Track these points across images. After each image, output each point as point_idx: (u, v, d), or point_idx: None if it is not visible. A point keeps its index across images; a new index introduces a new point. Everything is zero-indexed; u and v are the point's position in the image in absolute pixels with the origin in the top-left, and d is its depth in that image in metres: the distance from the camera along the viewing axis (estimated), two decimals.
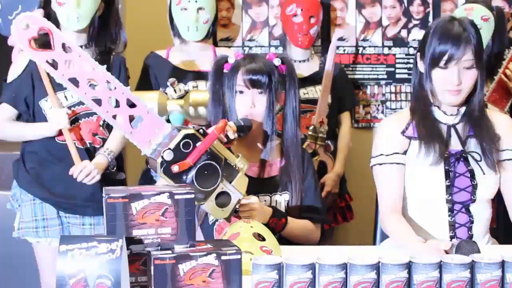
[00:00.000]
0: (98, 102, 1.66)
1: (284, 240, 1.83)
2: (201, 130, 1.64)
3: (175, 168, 1.58)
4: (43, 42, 2.08)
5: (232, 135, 1.72)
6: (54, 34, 1.64)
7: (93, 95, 1.67)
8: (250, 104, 1.86)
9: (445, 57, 1.66)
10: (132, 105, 1.66)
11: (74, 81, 1.66)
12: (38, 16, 1.66)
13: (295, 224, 1.88)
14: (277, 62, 1.91)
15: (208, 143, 1.62)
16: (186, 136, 1.62)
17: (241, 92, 1.88)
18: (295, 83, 1.94)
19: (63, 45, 1.64)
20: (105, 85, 1.66)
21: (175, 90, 2.53)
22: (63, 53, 1.64)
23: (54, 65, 1.65)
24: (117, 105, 1.66)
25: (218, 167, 1.63)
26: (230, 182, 1.68)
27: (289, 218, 1.86)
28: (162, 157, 1.59)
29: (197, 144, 1.62)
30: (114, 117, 1.66)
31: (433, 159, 1.71)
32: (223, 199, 1.67)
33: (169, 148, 1.60)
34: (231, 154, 1.70)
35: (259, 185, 1.88)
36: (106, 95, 1.66)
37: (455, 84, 1.67)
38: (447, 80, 1.68)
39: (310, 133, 2.49)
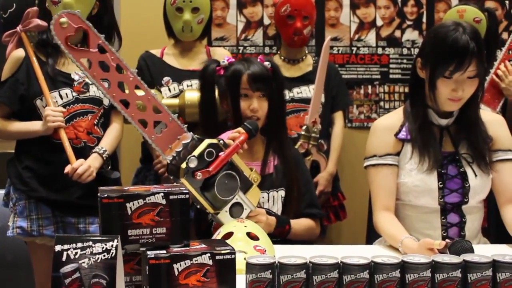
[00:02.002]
0: (125, 104, 1.70)
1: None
2: (221, 141, 1.70)
3: (198, 176, 1.61)
4: (40, 40, 2.09)
5: (245, 145, 1.77)
6: (91, 33, 1.66)
7: (122, 97, 1.70)
8: (255, 106, 1.90)
9: (451, 68, 1.65)
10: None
11: (105, 82, 1.69)
12: (77, 14, 1.67)
13: (298, 226, 1.93)
14: (267, 65, 1.96)
15: (230, 154, 1.67)
16: (210, 145, 1.69)
17: (245, 95, 1.91)
18: (282, 85, 2.00)
19: (98, 45, 1.66)
20: (134, 89, 1.70)
21: (169, 89, 2.53)
22: (98, 54, 1.67)
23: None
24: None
25: (237, 178, 1.68)
26: (244, 194, 1.72)
27: (292, 222, 1.90)
28: (187, 163, 1.63)
29: (219, 154, 1.65)
30: (140, 120, 1.70)
31: (427, 166, 1.73)
32: (236, 210, 1.72)
33: (194, 156, 1.64)
34: (246, 167, 1.76)
35: (260, 183, 1.91)
36: (134, 99, 1.70)
37: (458, 94, 1.68)
38: (450, 90, 1.68)
39: (303, 132, 2.50)
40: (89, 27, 1.66)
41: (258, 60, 1.98)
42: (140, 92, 1.79)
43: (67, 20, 1.65)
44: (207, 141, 1.68)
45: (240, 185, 1.71)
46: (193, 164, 1.64)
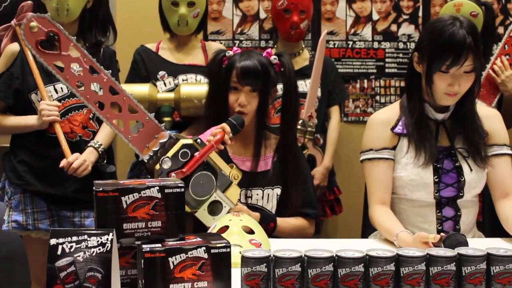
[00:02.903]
0: (100, 106, 1.69)
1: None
2: (198, 140, 1.69)
3: (173, 177, 1.61)
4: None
5: (228, 141, 1.75)
6: (62, 36, 1.66)
7: (96, 99, 1.70)
8: (242, 101, 1.87)
9: (448, 63, 1.65)
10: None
11: (79, 85, 1.69)
12: (47, 18, 1.67)
13: (286, 225, 1.90)
14: (273, 59, 1.92)
15: (204, 154, 1.66)
16: (184, 146, 1.67)
17: (235, 88, 1.89)
18: (293, 79, 1.94)
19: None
20: (108, 90, 1.69)
21: (165, 83, 2.53)
22: (70, 57, 1.67)
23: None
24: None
25: (213, 177, 1.68)
26: (223, 192, 1.72)
27: (279, 220, 1.88)
28: (160, 165, 1.63)
29: (195, 154, 1.65)
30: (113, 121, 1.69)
31: (423, 160, 1.73)
32: (215, 207, 1.72)
33: (167, 157, 1.64)
34: (225, 164, 1.75)
35: (252, 179, 1.90)
36: (109, 100, 1.69)
37: (455, 89, 1.69)
38: (447, 84, 1.68)
39: (299, 127, 2.50)
40: (59, 30, 1.66)
41: (265, 53, 1.93)
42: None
43: (37, 24, 1.64)
44: (181, 142, 1.67)
45: (218, 184, 1.71)
46: (166, 165, 1.64)
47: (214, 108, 1.95)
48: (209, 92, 1.99)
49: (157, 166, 1.66)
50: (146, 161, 1.70)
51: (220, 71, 1.92)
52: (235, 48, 1.97)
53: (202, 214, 1.71)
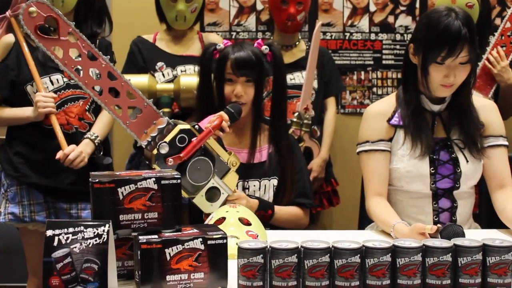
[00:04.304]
0: (99, 91, 1.69)
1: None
2: (196, 126, 1.69)
3: (169, 162, 1.61)
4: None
5: (227, 128, 1.75)
6: (61, 22, 1.65)
7: (95, 84, 1.70)
8: (239, 91, 1.87)
9: (443, 54, 1.65)
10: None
11: (77, 70, 1.68)
12: (46, 3, 1.66)
13: (283, 212, 1.91)
14: (265, 49, 1.93)
15: (202, 140, 1.66)
16: (182, 131, 1.67)
17: (230, 80, 1.89)
18: (282, 70, 1.96)
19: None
20: (107, 76, 1.68)
21: (163, 75, 2.52)
22: (69, 42, 1.66)
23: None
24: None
25: (210, 163, 1.68)
26: (221, 178, 1.72)
27: (276, 208, 1.89)
28: (158, 150, 1.63)
29: (192, 139, 1.65)
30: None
31: (420, 152, 1.73)
32: (212, 194, 1.72)
33: (165, 142, 1.63)
34: (223, 151, 1.75)
35: (249, 171, 1.91)
36: (107, 85, 1.69)
37: (450, 80, 1.68)
38: (442, 75, 1.68)
39: (294, 120, 2.50)
40: (58, 15, 1.66)
41: (256, 44, 1.94)
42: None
43: (36, 9, 1.64)
44: (179, 127, 1.67)
45: (216, 170, 1.70)
46: (163, 150, 1.64)
47: (205, 101, 1.95)
48: (200, 86, 1.99)
49: (155, 151, 1.65)
50: (144, 146, 1.70)
51: (211, 64, 1.93)
52: (225, 41, 1.98)
53: (199, 200, 1.71)
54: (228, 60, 1.89)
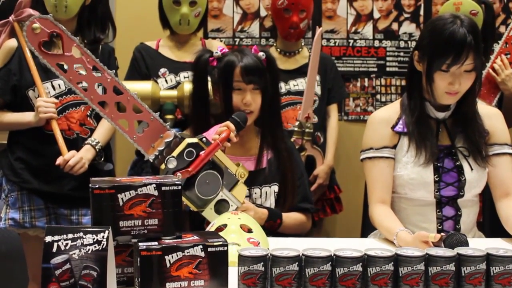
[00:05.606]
0: (104, 105, 1.69)
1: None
2: (204, 139, 1.68)
3: (178, 176, 1.62)
4: None
5: (234, 139, 1.74)
6: (65, 37, 1.66)
7: (100, 99, 1.70)
8: (248, 100, 1.87)
9: (448, 62, 1.64)
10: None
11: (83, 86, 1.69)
12: (50, 19, 1.66)
13: (290, 220, 1.91)
14: (262, 56, 1.92)
15: (210, 153, 1.66)
16: (190, 145, 1.67)
17: (238, 88, 1.88)
18: (277, 76, 1.97)
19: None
20: (112, 90, 1.69)
21: (166, 81, 2.52)
22: (73, 57, 1.67)
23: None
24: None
25: (219, 176, 1.68)
26: (230, 190, 1.71)
27: (283, 215, 1.89)
28: (166, 164, 1.63)
29: (200, 153, 1.64)
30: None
31: (424, 159, 1.72)
32: (221, 206, 1.72)
33: (173, 156, 1.63)
34: (231, 163, 1.74)
35: (251, 178, 1.89)
36: (113, 99, 1.69)
37: (455, 88, 1.67)
38: (447, 83, 1.67)
39: (296, 128, 2.49)
40: (62, 30, 1.66)
41: (253, 51, 1.93)
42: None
43: (40, 25, 1.64)
44: (186, 141, 1.67)
45: (224, 182, 1.70)
46: (171, 165, 1.64)
47: (202, 109, 1.94)
48: (194, 93, 1.97)
49: (163, 166, 1.65)
50: (151, 160, 1.70)
51: (206, 71, 1.92)
52: (220, 47, 1.96)
53: (208, 213, 1.70)
54: (236, 68, 1.87)
